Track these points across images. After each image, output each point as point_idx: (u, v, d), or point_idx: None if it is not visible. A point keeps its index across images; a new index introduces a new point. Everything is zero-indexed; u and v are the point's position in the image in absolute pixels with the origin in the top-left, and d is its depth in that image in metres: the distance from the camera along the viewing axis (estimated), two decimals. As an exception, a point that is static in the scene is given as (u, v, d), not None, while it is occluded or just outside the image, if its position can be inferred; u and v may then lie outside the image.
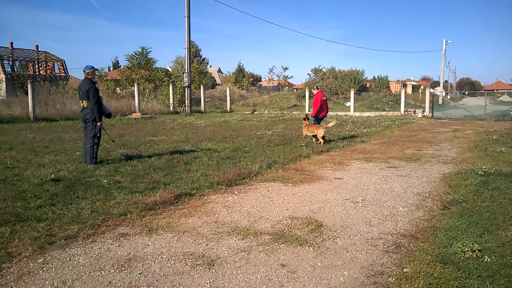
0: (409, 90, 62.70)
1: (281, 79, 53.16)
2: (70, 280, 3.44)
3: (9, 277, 3.48)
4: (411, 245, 4.24)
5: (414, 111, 27.31)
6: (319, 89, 12.96)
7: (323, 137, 11.60)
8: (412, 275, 3.49)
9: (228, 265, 3.77)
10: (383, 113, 28.12)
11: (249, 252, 4.05)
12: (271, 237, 4.45)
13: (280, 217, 5.17)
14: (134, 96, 25.21)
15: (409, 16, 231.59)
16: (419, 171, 8.17)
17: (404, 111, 27.00)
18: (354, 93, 29.46)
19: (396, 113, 26.92)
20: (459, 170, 8.11)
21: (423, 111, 26.90)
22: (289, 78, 55.21)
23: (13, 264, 3.71)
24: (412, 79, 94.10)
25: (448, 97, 56.77)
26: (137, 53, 33.95)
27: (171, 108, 27.11)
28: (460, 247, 3.94)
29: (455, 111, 28.33)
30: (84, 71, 8.07)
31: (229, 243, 4.30)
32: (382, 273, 3.60)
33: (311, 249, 4.14)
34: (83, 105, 8.06)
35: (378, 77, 48.24)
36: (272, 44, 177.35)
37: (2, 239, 4.20)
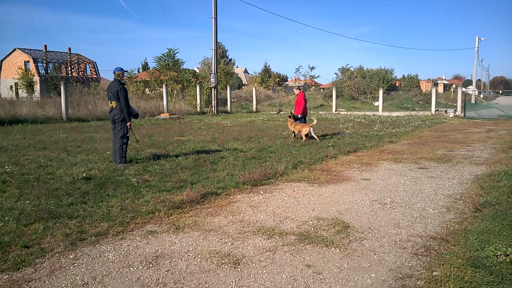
0: (440, 89, 61.18)
1: (307, 78, 52.89)
2: (100, 276, 3.53)
3: (42, 271, 3.61)
4: (441, 248, 4.13)
5: (446, 111, 26.51)
6: (301, 90, 13.82)
7: (306, 135, 12.31)
8: (442, 278, 3.40)
9: (254, 264, 3.78)
10: (413, 112, 27.46)
11: (274, 252, 4.05)
12: (297, 237, 4.44)
13: (306, 218, 5.14)
14: (162, 97, 25.59)
15: (440, 13, 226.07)
16: (450, 173, 7.95)
17: (435, 111, 26.25)
18: (383, 93, 28.93)
19: (427, 113, 26.22)
20: (492, 171, 7.84)
21: (455, 110, 26.11)
22: (316, 77, 54.89)
23: (46, 259, 3.84)
24: (444, 78, 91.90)
25: (481, 96, 54.98)
26: (165, 54, 34.52)
27: (198, 109, 27.38)
28: (493, 251, 3.81)
29: (489, 110, 27.40)
30: (114, 72, 8.31)
31: (254, 242, 4.31)
32: (410, 276, 3.53)
33: (338, 250, 4.10)
34: (112, 106, 8.27)
35: (407, 76, 47.10)
36: (299, 43, 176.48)
37: (36, 235, 4.36)
